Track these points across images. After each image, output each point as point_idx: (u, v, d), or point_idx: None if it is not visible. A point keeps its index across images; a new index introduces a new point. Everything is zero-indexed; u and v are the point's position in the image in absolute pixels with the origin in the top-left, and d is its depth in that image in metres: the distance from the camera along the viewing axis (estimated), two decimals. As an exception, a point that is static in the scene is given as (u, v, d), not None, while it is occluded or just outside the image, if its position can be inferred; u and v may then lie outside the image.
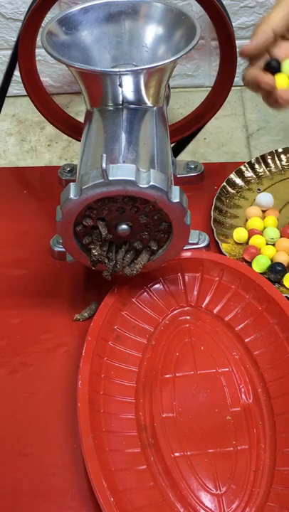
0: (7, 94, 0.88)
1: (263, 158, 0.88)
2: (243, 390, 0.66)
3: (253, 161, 0.87)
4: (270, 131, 0.99)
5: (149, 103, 0.74)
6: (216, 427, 0.64)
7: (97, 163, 0.63)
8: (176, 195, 0.64)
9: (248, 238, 0.80)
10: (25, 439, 0.65)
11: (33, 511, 0.61)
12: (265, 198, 0.83)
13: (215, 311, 0.73)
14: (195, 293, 0.74)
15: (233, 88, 0.83)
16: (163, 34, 0.76)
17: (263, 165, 0.88)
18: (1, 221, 0.86)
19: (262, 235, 0.80)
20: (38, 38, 0.76)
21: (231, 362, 0.68)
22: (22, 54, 0.79)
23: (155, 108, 0.75)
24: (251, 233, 0.80)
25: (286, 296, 0.74)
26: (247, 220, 0.82)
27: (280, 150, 0.89)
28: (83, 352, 0.66)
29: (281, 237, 0.80)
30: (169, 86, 0.80)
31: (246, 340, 0.69)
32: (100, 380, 0.66)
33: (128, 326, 0.71)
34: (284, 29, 0.70)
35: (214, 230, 0.80)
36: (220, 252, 0.78)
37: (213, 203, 0.82)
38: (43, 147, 0.98)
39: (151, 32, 0.77)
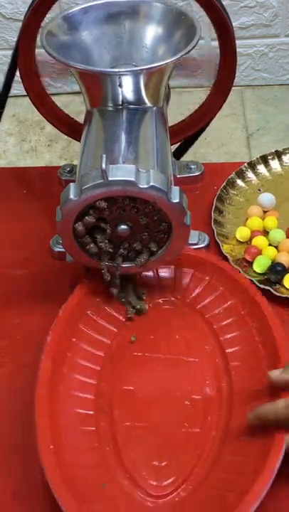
0: (7, 95, 0.88)
1: (264, 158, 0.88)
2: (207, 382, 0.67)
3: (253, 161, 0.87)
4: (270, 131, 0.99)
5: (148, 103, 0.74)
6: (173, 408, 0.65)
7: (97, 163, 0.63)
8: (176, 195, 0.64)
9: (251, 238, 0.80)
10: (24, 438, 0.65)
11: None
12: (267, 198, 0.83)
13: (198, 307, 0.73)
14: (184, 287, 0.75)
15: (233, 88, 0.83)
16: (163, 34, 0.76)
17: (263, 165, 0.88)
18: (1, 221, 0.86)
19: (264, 236, 0.80)
20: (38, 38, 0.76)
21: (202, 354, 0.69)
22: (22, 54, 0.79)
23: (155, 108, 0.75)
24: (254, 234, 0.80)
25: (286, 297, 0.74)
26: (247, 219, 0.82)
27: (280, 150, 0.88)
28: (60, 313, 0.68)
29: (287, 237, 0.80)
30: (168, 86, 0.80)
31: (221, 338, 0.70)
32: (71, 343, 0.68)
33: (109, 302, 0.73)
34: None
35: (215, 230, 0.80)
36: (220, 252, 0.78)
37: (214, 204, 0.82)
38: (43, 147, 0.99)
39: (151, 32, 0.77)
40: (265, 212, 0.83)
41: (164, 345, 0.70)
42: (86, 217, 0.65)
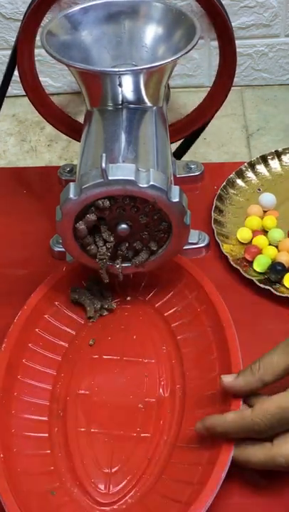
0: (7, 94, 0.88)
1: (264, 158, 0.88)
2: (162, 383, 0.67)
3: (253, 161, 0.87)
4: (270, 131, 0.99)
5: (148, 103, 0.74)
6: (125, 412, 0.65)
7: (97, 162, 0.63)
8: (175, 194, 0.64)
9: (252, 238, 0.80)
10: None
11: None
12: (267, 199, 0.83)
13: (156, 306, 0.73)
14: (142, 285, 0.75)
15: (233, 88, 0.83)
16: (163, 34, 0.76)
17: (263, 165, 0.87)
18: (1, 221, 0.86)
19: (265, 236, 0.80)
20: (38, 38, 0.76)
21: (159, 355, 0.69)
22: (21, 54, 0.79)
23: (155, 108, 0.75)
24: (254, 234, 0.80)
25: (286, 297, 0.73)
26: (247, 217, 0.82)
27: (280, 150, 0.88)
28: (16, 319, 0.68)
29: (288, 237, 0.79)
30: (168, 86, 0.80)
31: (178, 337, 0.70)
32: (27, 350, 0.68)
33: (69, 304, 0.73)
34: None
35: (215, 230, 0.80)
36: (220, 252, 0.78)
37: (214, 204, 0.82)
38: (43, 147, 0.99)
39: (151, 32, 0.77)
40: (265, 212, 0.83)
41: (122, 347, 0.70)
42: (87, 215, 0.65)
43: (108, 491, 0.60)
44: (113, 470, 0.61)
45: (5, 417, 0.62)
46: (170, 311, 0.73)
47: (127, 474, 0.61)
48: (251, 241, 0.80)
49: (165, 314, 0.73)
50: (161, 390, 0.66)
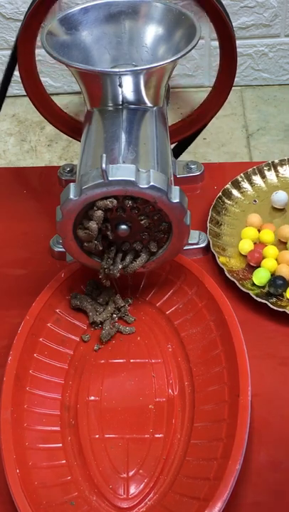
0: (7, 94, 0.88)
1: (259, 169, 0.86)
2: (170, 382, 0.67)
3: (249, 171, 0.85)
4: (270, 131, 0.99)
5: (149, 103, 0.74)
6: (136, 414, 0.65)
7: (97, 163, 0.63)
8: (176, 195, 0.64)
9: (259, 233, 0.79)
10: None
11: None
12: (280, 197, 0.82)
13: (157, 305, 0.73)
14: (141, 286, 0.75)
15: (233, 88, 0.83)
16: (163, 34, 0.76)
17: (259, 176, 0.86)
18: (1, 221, 0.86)
19: (270, 235, 0.78)
20: (38, 38, 0.76)
21: (165, 354, 0.69)
22: (22, 54, 0.79)
23: (155, 108, 0.75)
24: (257, 247, 0.78)
25: (283, 311, 0.72)
26: (246, 227, 0.80)
27: (276, 161, 0.86)
28: (19, 329, 0.67)
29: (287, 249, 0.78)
30: (168, 86, 0.80)
31: (182, 335, 0.70)
32: (32, 359, 0.67)
33: (70, 310, 0.73)
34: None
35: (210, 242, 0.77)
36: (216, 263, 0.76)
37: (209, 214, 0.80)
38: (43, 147, 0.99)
39: (151, 32, 0.77)
40: (275, 208, 0.82)
41: (127, 349, 0.70)
42: (95, 212, 0.64)
43: (127, 496, 0.60)
44: (130, 474, 0.61)
45: (18, 431, 0.62)
46: (172, 309, 0.73)
47: (144, 477, 0.61)
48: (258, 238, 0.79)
49: (167, 313, 0.73)
50: (170, 389, 0.66)
